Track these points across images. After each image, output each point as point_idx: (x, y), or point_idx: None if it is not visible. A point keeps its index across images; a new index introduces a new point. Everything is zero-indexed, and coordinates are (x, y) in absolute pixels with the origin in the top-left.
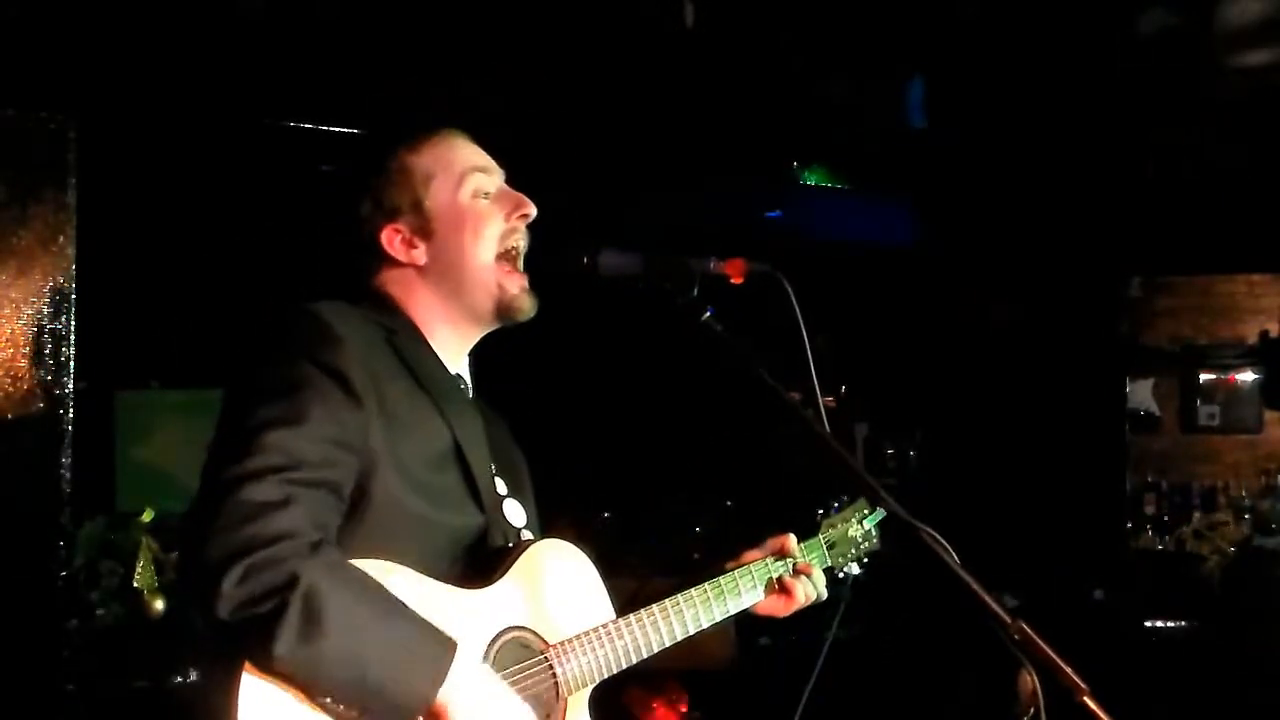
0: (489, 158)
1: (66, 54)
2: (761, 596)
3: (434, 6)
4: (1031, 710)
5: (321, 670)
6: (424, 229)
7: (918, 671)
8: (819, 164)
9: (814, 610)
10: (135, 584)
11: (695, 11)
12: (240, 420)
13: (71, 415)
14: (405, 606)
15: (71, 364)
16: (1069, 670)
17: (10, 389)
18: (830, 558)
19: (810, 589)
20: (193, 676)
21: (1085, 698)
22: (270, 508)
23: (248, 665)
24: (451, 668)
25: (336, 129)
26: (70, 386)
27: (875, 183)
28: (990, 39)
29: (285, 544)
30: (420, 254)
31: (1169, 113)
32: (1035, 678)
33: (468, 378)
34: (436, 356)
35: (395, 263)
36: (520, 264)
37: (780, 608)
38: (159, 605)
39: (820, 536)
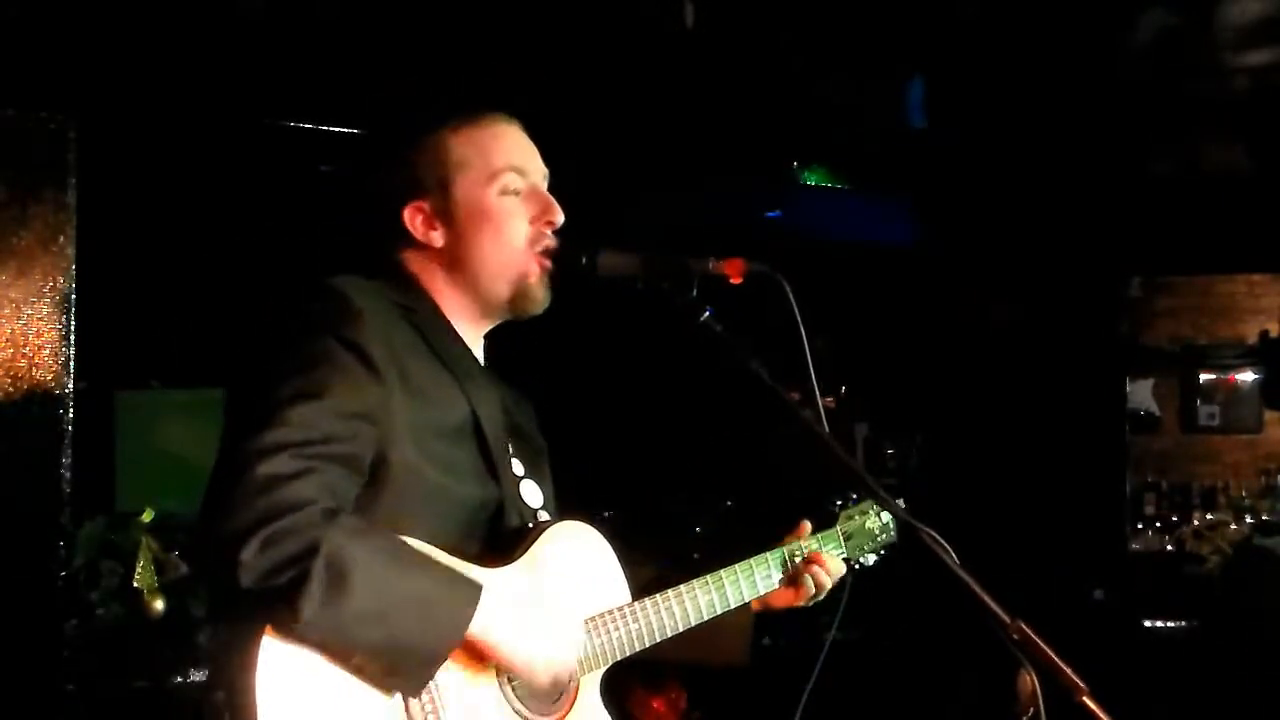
0: (533, 156)
1: (66, 54)
2: (775, 583)
3: (434, 6)
4: (1031, 710)
5: (349, 632)
6: (446, 214)
7: (918, 672)
8: (819, 164)
9: (814, 611)
10: (135, 584)
11: (695, 11)
12: (259, 394)
13: (71, 415)
14: (427, 557)
15: (71, 364)
16: (1069, 670)
17: (10, 389)
18: (847, 549)
19: (823, 577)
20: (193, 676)
21: (1085, 698)
22: (287, 479)
23: (269, 630)
24: (479, 608)
25: (336, 129)
26: (70, 386)
27: (875, 183)
28: (990, 39)
29: (303, 512)
30: (438, 237)
31: (1169, 113)
32: (1035, 678)
33: (483, 360)
34: (456, 333)
35: (413, 241)
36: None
37: (792, 598)
38: (159, 605)
39: (838, 528)
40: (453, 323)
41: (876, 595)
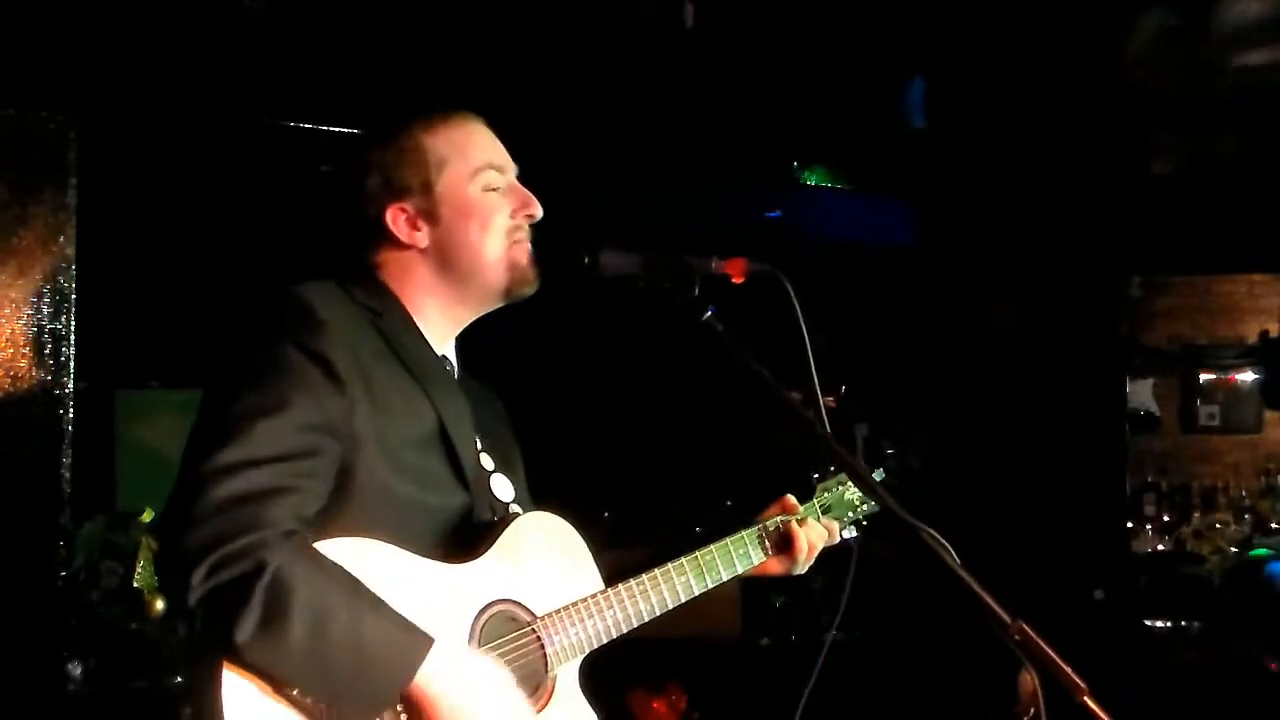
0: (504, 152)
1: (66, 54)
2: (754, 561)
3: (434, 7)
4: (1031, 710)
5: (285, 660)
6: (430, 213)
7: (918, 671)
8: (819, 164)
9: (814, 611)
10: (135, 584)
11: (695, 12)
12: (221, 407)
13: (71, 415)
14: (380, 601)
15: (71, 364)
16: (1069, 670)
17: (10, 389)
18: (826, 521)
19: (815, 537)
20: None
21: (1085, 698)
22: (246, 500)
23: (226, 659)
24: (426, 661)
25: (336, 129)
26: (70, 386)
27: (875, 183)
28: (990, 39)
29: (256, 535)
30: (422, 237)
31: (1169, 113)
32: (1035, 678)
33: (454, 359)
34: (424, 338)
35: (395, 242)
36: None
37: (786, 563)
38: (159, 605)
39: (815, 501)
40: (423, 326)
41: (876, 595)
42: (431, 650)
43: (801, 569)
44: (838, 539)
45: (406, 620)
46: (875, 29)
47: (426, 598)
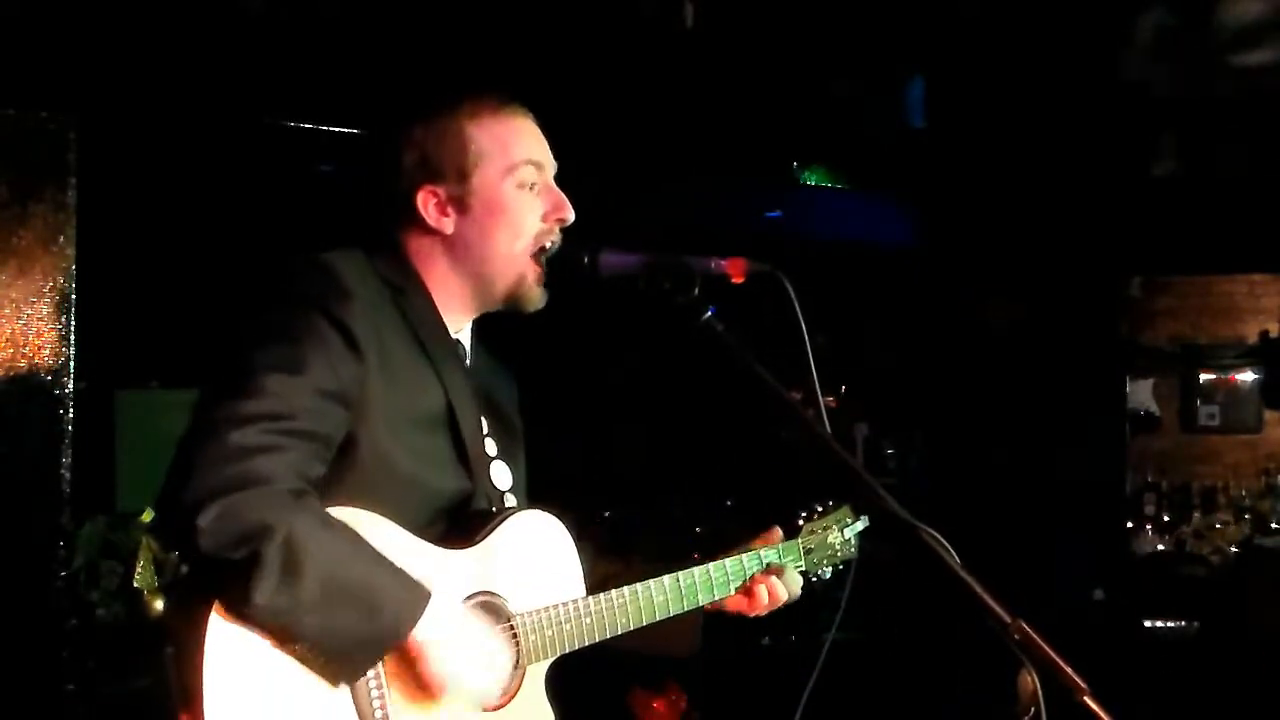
0: (546, 149)
1: (66, 54)
2: (733, 590)
3: (434, 7)
4: (1031, 710)
5: (296, 618)
6: (460, 202)
7: (917, 672)
8: (819, 164)
9: (814, 611)
10: (135, 584)
11: (695, 11)
12: (240, 361)
13: (71, 415)
14: (383, 557)
15: (71, 364)
16: (1069, 670)
17: (10, 389)
18: (806, 562)
19: (780, 590)
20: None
21: (1085, 698)
22: (256, 452)
23: (216, 607)
24: (425, 614)
25: (336, 129)
26: (70, 386)
27: (875, 183)
28: (990, 39)
29: (266, 488)
30: (449, 224)
31: (1169, 113)
32: (1035, 678)
33: (467, 344)
34: (441, 319)
35: (421, 223)
36: (543, 260)
37: (745, 606)
38: (159, 605)
39: (799, 540)
40: (441, 309)
41: (876, 595)
42: (430, 602)
43: (755, 614)
44: (797, 595)
45: (408, 575)
46: (875, 29)
47: (414, 573)
